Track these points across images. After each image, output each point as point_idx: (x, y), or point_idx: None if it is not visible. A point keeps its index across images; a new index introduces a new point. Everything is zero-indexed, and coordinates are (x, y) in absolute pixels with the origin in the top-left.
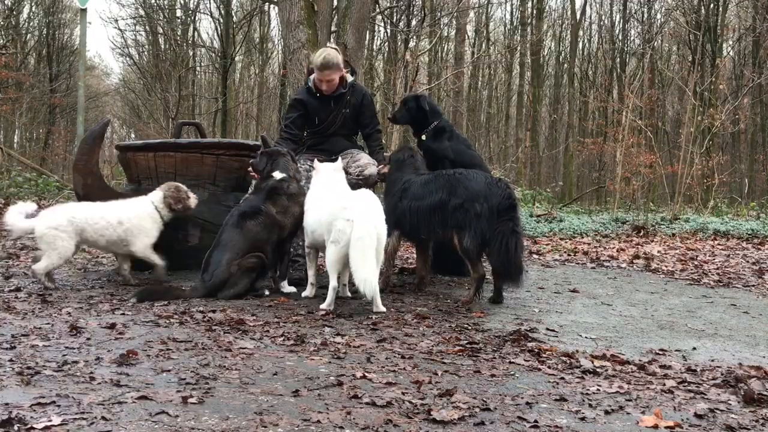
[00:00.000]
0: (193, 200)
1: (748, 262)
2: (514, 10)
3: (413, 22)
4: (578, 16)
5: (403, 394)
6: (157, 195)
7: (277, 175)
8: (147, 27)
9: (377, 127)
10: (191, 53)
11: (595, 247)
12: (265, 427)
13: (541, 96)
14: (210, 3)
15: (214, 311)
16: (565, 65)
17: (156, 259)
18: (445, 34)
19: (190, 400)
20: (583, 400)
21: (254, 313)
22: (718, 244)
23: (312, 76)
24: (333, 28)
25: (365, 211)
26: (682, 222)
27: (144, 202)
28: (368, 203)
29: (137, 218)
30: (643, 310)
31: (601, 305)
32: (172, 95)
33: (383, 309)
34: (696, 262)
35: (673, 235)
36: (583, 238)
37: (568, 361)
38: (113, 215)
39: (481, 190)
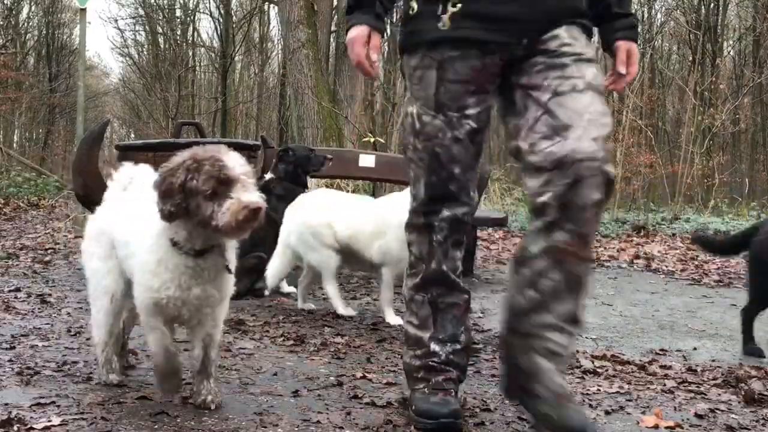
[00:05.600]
0: None
1: None
2: None
3: None
4: None
5: (403, 394)
6: None
7: (266, 175)
8: (146, 27)
9: None
10: (191, 53)
11: (595, 247)
12: (265, 427)
13: None
14: (210, 3)
15: None
16: None
17: None
18: None
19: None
20: (583, 400)
21: (254, 313)
22: None
23: None
24: (333, 28)
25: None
26: (682, 222)
27: None
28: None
29: None
30: (644, 310)
31: (601, 305)
32: (171, 95)
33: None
34: (696, 262)
35: (674, 235)
36: None
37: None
38: None
39: None
